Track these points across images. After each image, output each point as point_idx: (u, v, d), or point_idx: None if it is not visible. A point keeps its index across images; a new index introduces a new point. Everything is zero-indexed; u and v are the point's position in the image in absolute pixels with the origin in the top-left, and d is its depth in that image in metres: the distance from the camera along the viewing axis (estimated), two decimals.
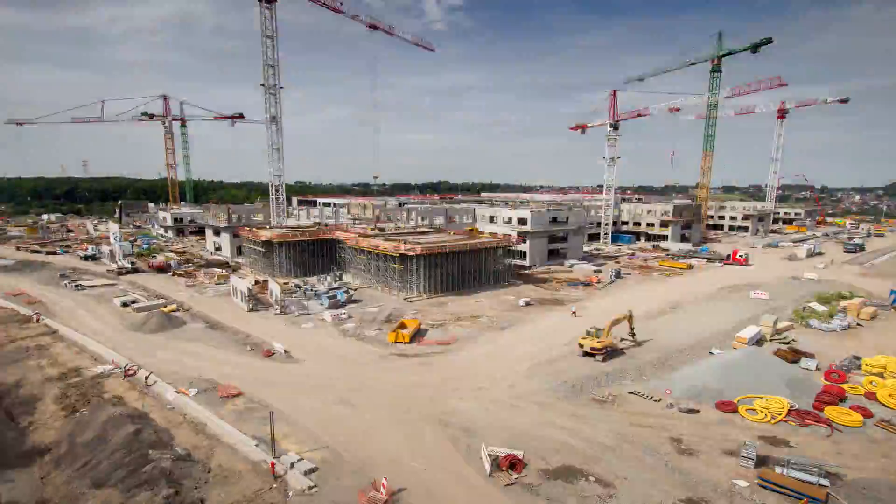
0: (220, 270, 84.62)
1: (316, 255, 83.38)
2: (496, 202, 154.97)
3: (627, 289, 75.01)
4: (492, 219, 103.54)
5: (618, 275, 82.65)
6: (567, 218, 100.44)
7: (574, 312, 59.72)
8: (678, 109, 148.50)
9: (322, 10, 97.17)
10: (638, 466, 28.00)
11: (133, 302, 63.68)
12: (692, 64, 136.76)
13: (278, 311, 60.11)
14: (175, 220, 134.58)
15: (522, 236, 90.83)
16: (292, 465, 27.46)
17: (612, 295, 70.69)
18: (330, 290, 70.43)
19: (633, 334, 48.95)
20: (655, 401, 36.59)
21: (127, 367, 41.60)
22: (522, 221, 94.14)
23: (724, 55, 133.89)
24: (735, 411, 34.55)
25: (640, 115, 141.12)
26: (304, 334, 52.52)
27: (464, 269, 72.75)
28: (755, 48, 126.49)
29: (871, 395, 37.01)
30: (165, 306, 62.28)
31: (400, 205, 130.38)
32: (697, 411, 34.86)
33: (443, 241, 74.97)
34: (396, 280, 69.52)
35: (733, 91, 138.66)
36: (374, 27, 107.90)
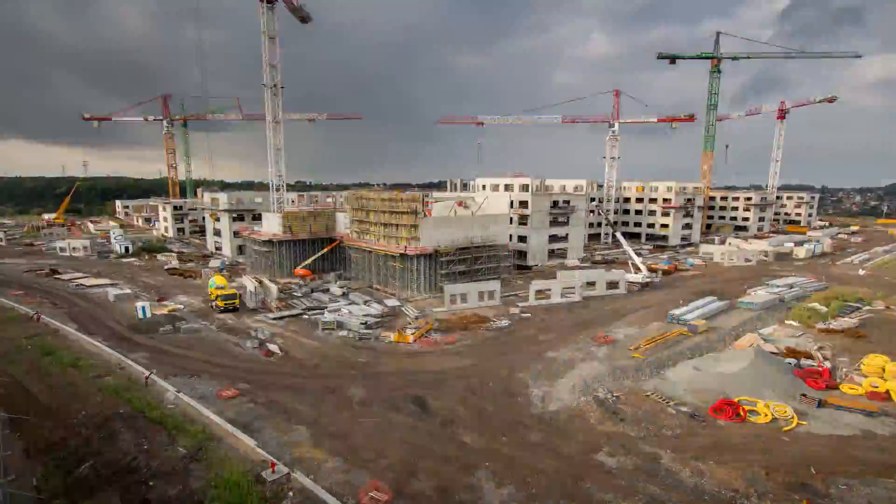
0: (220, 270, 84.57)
1: (317, 254, 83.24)
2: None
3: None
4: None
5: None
6: (568, 219, 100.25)
7: None
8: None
9: None
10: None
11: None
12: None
13: (278, 311, 60.06)
14: (176, 219, 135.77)
15: (522, 237, 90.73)
16: (293, 464, 27.38)
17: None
18: (330, 289, 70.39)
19: None
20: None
21: (127, 367, 41.51)
22: (523, 221, 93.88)
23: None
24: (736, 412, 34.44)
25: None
26: (304, 333, 52.49)
27: (464, 269, 72.67)
28: None
29: (872, 395, 36.94)
30: (166, 305, 62.29)
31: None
32: (697, 412, 34.83)
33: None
34: (397, 279, 69.52)
35: None
36: None
